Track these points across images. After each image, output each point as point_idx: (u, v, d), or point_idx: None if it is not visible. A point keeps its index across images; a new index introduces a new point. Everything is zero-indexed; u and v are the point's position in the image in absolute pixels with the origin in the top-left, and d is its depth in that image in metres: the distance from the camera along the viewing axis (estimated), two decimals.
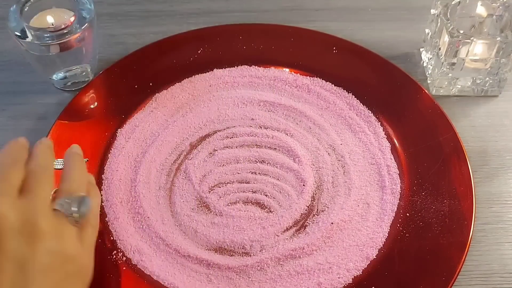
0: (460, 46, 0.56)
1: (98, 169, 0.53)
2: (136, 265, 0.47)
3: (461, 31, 0.56)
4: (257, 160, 0.54)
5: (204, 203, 0.51)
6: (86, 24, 0.56)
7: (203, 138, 0.57)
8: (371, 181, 0.53)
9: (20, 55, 0.62)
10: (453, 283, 0.44)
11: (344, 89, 0.60)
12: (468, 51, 0.57)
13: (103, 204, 0.51)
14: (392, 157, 0.54)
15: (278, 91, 0.61)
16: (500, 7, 0.58)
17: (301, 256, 0.48)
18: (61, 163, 0.45)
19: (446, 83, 0.60)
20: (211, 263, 0.47)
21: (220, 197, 0.52)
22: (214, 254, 0.48)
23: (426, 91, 0.58)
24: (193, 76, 0.62)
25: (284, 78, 0.61)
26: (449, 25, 0.56)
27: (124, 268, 0.47)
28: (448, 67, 0.58)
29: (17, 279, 0.35)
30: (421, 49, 0.65)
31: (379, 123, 0.57)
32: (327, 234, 0.49)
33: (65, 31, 0.55)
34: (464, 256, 0.45)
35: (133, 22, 0.70)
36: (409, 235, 0.48)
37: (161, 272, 0.47)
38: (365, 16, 0.71)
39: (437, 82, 0.60)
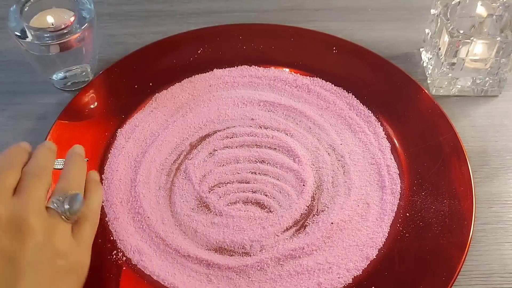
0: (460, 46, 0.56)
1: (98, 169, 0.53)
2: (136, 265, 0.47)
3: (461, 31, 0.56)
4: (257, 160, 0.54)
5: (204, 203, 0.51)
6: (86, 24, 0.56)
7: (203, 138, 0.57)
8: (371, 181, 0.53)
9: (20, 55, 0.62)
10: (453, 283, 0.44)
11: (344, 89, 0.60)
12: (468, 51, 0.57)
13: (103, 204, 0.51)
14: (392, 157, 0.54)
15: (278, 91, 0.61)
16: (500, 7, 0.58)
17: (301, 256, 0.48)
18: (61, 163, 0.45)
19: (446, 83, 0.60)
20: (211, 263, 0.47)
21: (220, 197, 0.52)
22: (214, 254, 0.48)
23: (426, 91, 0.58)
24: (193, 76, 0.62)
25: (284, 78, 0.61)
26: (449, 25, 0.56)
27: (124, 268, 0.47)
28: (448, 67, 0.58)
29: (6, 274, 0.35)
30: (421, 49, 0.65)
31: (379, 123, 0.57)
32: (327, 234, 0.49)
33: (65, 31, 0.55)
34: (464, 256, 0.45)
35: (133, 22, 0.70)
36: (409, 235, 0.48)
37: (161, 272, 0.47)
38: (365, 16, 0.71)
39: (437, 82, 0.60)
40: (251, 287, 0.46)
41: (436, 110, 0.56)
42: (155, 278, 0.46)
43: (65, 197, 0.40)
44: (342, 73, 0.61)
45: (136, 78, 0.61)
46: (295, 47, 0.64)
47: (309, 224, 0.50)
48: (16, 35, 0.55)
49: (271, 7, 0.72)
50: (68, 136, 0.54)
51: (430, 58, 0.62)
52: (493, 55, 0.57)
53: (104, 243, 0.48)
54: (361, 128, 0.57)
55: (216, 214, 0.50)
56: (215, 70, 0.62)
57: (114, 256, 0.47)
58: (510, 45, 0.56)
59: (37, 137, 0.56)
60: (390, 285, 0.46)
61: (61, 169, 0.44)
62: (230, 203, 0.51)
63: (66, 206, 0.40)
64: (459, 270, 0.45)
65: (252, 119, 0.58)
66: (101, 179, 0.53)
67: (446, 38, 0.57)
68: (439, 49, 0.59)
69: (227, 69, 0.62)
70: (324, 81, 0.61)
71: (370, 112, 0.58)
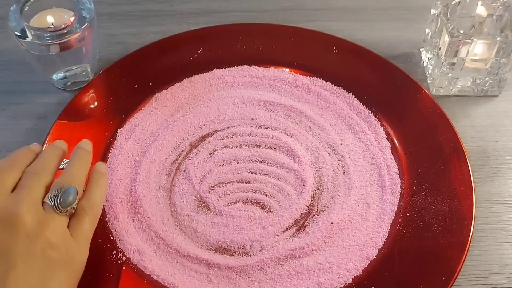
0: (460, 46, 0.56)
1: None
2: (136, 265, 0.47)
3: (461, 31, 0.56)
4: (257, 160, 0.54)
5: (204, 203, 0.51)
6: (86, 24, 0.56)
7: (203, 138, 0.57)
8: (371, 181, 0.53)
9: (20, 55, 0.62)
10: (453, 283, 0.44)
11: (344, 89, 0.60)
12: (468, 51, 0.57)
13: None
14: (392, 157, 0.54)
15: (278, 91, 0.61)
16: (500, 7, 0.58)
17: (301, 256, 0.48)
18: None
19: (446, 83, 0.60)
20: (211, 263, 0.47)
21: (220, 197, 0.52)
22: (214, 254, 0.48)
23: (426, 91, 0.58)
24: (193, 76, 0.62)
25: (284, 78, 0.61)
26: (449, 25, 0.56)
27: (124, 268, 0.47)
28: (448, 67, 0.58)
29: None
30: (421, 49, 0.65)
31: (379, 123, 0.57)
32: (327, 234, 0.49)
33: (65, 31, 0.55)
34: (464, 256, 0.45)
35: (133, 22, 0.70)
36: (409, 235, 0.48)
37: (161, 272, 0.47)
38: (365, 16, 0.71)
39: (437, 82, 0.60)
40: (251, 287, 0.46)
41: (436, 110, 0.56)
42: (155, 278, 0.46)
43: (60, 190, 0.40)
44: (342, 73, 0.61)
45: (136, 78, 0.61)
46: (295, 47, 0.64)
47: (309, 224, 0.50)
48: (16, 35, 0.55)
49: (271, 7, 0.72)
50: (68, 136, 0.54)
51: (430, 58, 0.62)
52: (493, 55, 0.57)
53: (104, 243, 0.48)
54: (361, 128, 0.57)
55: (216, 214, 0.50)
56: (215, 70, 0.62)
57: (114, 256, 0.47)
58: (510, 45, 0.56)
59: (37, 137, 0.56)
60: (390, 285, 0.46)
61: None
62: (230, 203, 0.51)
63: (59, 200, 0.40)
64: (459, 270, 0.45)
65: (252, 119, 0.58)
66: None
67: (446, 38, 0.57)
68: (439, 49, 0.59)
69: (227, 69, 0.62)
70: (324, 81, 0.61)
71: (370, 112, 0.58)
